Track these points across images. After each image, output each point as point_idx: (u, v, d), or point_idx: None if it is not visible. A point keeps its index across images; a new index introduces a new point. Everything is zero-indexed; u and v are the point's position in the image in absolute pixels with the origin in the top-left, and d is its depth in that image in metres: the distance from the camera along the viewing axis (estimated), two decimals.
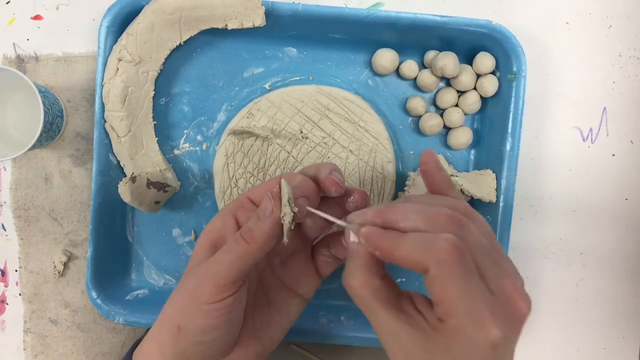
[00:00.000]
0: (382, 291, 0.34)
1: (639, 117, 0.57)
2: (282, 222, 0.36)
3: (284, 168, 0.52)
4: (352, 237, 0.35)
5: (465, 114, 0.54)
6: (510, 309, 0.31)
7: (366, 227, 0.34)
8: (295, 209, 0.36)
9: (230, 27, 0.50)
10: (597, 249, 0.58)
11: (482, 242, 0.32)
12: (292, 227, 0.36)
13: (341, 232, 0.42)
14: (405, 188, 0.52)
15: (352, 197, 0.41)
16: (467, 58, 0.54)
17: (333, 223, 0.38)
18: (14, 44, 0.55)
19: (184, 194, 0.54)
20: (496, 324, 0.30)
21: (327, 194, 0.40)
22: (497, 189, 0.52)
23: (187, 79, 0.54)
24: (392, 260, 0.32)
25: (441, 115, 0.54)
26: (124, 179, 0.49)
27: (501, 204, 0.51)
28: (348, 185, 0.41)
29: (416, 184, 0.51)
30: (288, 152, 0.52)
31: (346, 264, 0.35)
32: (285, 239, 0.37)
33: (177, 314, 0.37)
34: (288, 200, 0.36)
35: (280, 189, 0.38)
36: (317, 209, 0.41)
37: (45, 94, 0.50)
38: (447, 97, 0.54)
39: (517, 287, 0.31)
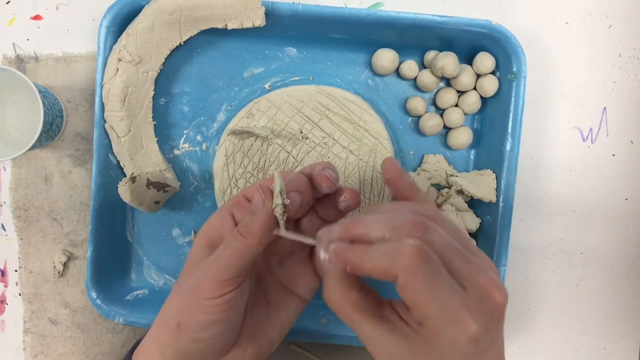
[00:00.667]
0: (361, 303, 0.35)
1: (639, 117, 0.57)
2: (275, 213, 0.37)
3: (283, 168, 0.52)
4: (323, 255, 0.35)
5: (465, 114, 0.54)
6: (486, 301, 0.31)
7: (334, 243, 0.34)
8: (287, 201, 0.37)
9: (230, 27, 0.50)
10: (597, 249, 0.58)
11: (449, 241, 0.32)
12: (285, 219, 0.37)
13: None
14: None
15: (342, 197, 0.41)
16: (467, 58, 0.54)
17: (329, 223, 0.38)
18: (13, 44, 0.55)
19: (184, 194, 0.54)
20: (472, 319, 0.30)
21: (318, 190, 0.40)
22: (497, 189, 0.52)
23: (187, 79, 0.54)
24: (363, 273, 0.33)
25: (441, 115, 0.54)
26: (123, 179, 0.49)
27: (501, 204, 0.51)
28: (343, 184, 0.41)
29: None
30: (288, 152, 0.52)
31: (323, 280, 0.36)
32: (282, 231, 0.37)
33: (176, 311, 0.37)
34: (280, 192, 0.37)
35: (271, 183, 0.38)
36: (313, 210, 0.41)
37: (45, 94, 0.50)
38: (447, 97, 0.54)
39: (491, 279, 0.31)
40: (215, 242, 0.39)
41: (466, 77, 0.53)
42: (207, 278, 0.36)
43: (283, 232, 0.37)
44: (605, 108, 0.57)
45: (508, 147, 0.51)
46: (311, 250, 0.44)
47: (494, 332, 0.31)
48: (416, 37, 0.52)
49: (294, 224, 0.42)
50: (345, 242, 0.34)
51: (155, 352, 0.38)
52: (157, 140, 0.53)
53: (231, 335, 0.39)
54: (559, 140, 0.57)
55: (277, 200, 0.37)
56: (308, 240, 0.37)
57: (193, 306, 0.36)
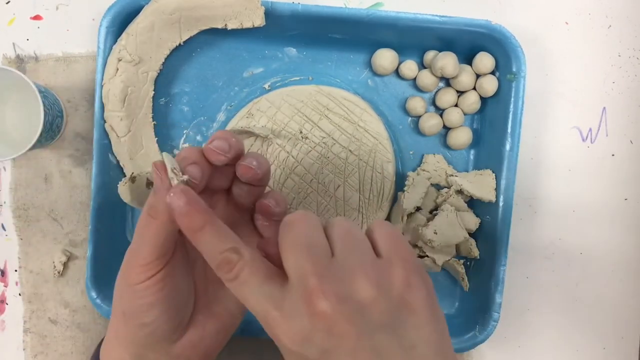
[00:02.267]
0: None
1: (639, 117, 0.57)
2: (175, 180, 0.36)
3: (283, 168, 0.52)
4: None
5: (465, 114, 0.54)
6: (307, 304, 0.29)
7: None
8: (184, 177, 0.36)
9: (230, 27, 0.50)
10: (597, 249, 0.58)
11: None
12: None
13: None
14: (405, 188, 0.52)
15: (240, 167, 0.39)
16: (467, 58, 0.54)
17: (261, 188, 0.40)
18: (13, 44, 0.55)
19: None
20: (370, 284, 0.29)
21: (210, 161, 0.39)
22: (497, 189, 0.52)
23: (187, 79, 0.54)
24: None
25: (441, 116, 0.54)
26: (123, 179, 0.49)
27: (501, 204, 0.51)
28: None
29: (415, 183, 0.51)
30: (288, 152, 0.52)
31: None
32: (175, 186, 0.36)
33: (118, 300, 0.38)
34: (172, 170, 0.36)
35: (163, 164, 0.37)
36: (236, 178, 0.40)
37: (45, 94, 0.50)
38: (447, 97, 0.54)
39: (314, 284, 0.29)
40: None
41: (466, 77, 0.53)
42: (131, 264, 0.37)
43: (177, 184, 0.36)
44: (604, 108, 0.57)
45: (508, 147, 0.51)
46: (252, 218, 0.43)
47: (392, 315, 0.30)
48: (416, 37, 0.52)
49: (225, 195, 0.41)
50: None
51: (116, 343, 0.39)
52: (157, 140, 0.53)
53: (177, 315, 0.38)
54: (559, 140, 0.57)
55: (174, 179, 0.36)
56: (259, 131, 0.37)
57: (128, 293, 0.37)
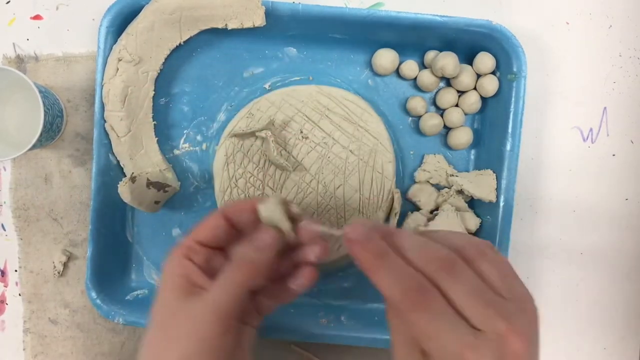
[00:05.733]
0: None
1: (639, 117, 0.57)
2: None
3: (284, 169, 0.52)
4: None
5: (466, 114, 0.54)
6: (501, 346, 0.30)
7: (363, 230, 0.33)
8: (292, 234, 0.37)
9: (230, 27, 0.50)
10: (597, 249, 0.58)
11: (473, 284, 0.31)
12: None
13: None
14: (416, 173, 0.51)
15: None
16: (467, 58, 0.54)
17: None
18: (13, 44, 0.55)
19: (184, 194, 0.54)
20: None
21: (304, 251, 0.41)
22: (497, 189, 0.52)
23: (187, 79, 0.54)
24: (367, 274, 0.32)
25: (441, 115, 0.54)
26: (123, 179, 0.49)
27: (501, 204, 0.51)
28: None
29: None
30: (289, 153, 0.52)
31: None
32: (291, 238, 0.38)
33: (174, 358, 0.36)
34: (282, 218, 0.37)
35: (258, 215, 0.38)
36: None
37: (45, 94, 0.50)
38: (447, 97, 0.54)
39: (511, 326, 0.30)
40: (185, 288, 0.39)
41: (466, 77, 0.53)
42: (209, 319, 0.36)
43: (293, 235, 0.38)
44: (605, 108, 0.57)
45: (508, 147, 0.51)
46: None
47: None
48: (416, 37, 0.52)
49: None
50: (375, 236, 0.33)
51: None
52: (157, 140, 0.53)
53: None
54: (559, 140, 0.57)
55: (285, 227, 0.37)
56: (336, 232, 0.37)
57: (196, 350, 0.36)
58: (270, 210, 0.38)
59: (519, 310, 0.31)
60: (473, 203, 0.54)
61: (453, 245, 0.33)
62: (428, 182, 0.54)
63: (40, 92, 0.48)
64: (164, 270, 0.40)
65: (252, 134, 0.51)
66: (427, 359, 0.31)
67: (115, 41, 0.50)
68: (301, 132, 0.52)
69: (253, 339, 0.44)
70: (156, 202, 0.51)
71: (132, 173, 0.50)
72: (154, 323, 0.39)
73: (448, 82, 0.54)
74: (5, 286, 0.56)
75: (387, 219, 0.54)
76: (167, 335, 0.38)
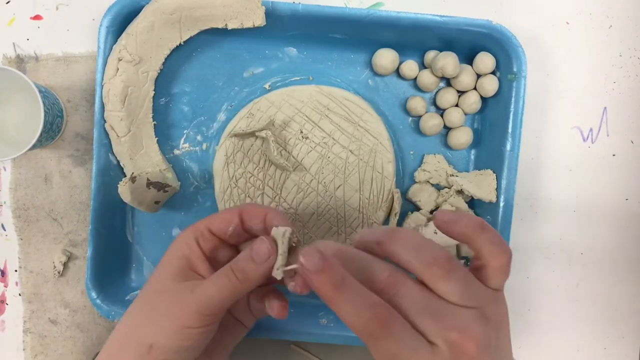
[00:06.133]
0: None
1: (639, 117, 0.57)
2: (275, 268, 0.37)
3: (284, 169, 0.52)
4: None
5: (466, 114, 0.54)
6: (455, 354, 0.31)
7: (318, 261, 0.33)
8: (294, 266, 0.36)
9: (230, 27, 0.50)
10: (597, 249, 0.58)
11: (420, 300, 0.32)
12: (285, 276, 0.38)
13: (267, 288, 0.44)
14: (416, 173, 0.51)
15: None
16: (467, 58, 0.54)
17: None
18: (13, 44, 0.55)
19: (184, 194, 0.54)
20: None
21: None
22: (498, 189, 0.52)
23: (187, 79, 0.54)
24: (331, 307, 0.33)
25: (441, 115, 0.54)
26: (123, 179, 0.49)
27: (501, 204, 0.51)
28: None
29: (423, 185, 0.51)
30: (289, 153, 0.52)
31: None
32: (278, 277, 0.37)
33: (150, 333, 0.38)
34: (283, 253, 0.37)
35: (273, 239, 0.38)
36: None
37: (45, 94, 0.50)
38: (447, 97, 0.54)
39: (460, 333, 0.31)
40: (184, 270, 0.40)
41: (466, 77, 0.53)
42: (194, 310, 0.37)
43: (280, 276, 0.37)
44: (605, 108, 0.57)
45: (508, 147, 0.51)
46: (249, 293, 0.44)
47: None
48: (416, 37, 0.52)
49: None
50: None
51: None
52: (157, 140, 0.52)
53: (196, 356, 0.40)
54: (559, 140, 0.57)
55: (279, 261, 0.37)
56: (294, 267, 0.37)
57: (172, 332, 0.38)
58: (278, 236, 0.38)
59: (475, 316, 0.32)
60: (473, 203, 0.54)
61: (421, 261, 0.33)
62: (428, 182, 0.54)
63: (40, 92, 0.48)
64: (169, 248, 0.42)
65: (252, 134, 0.51)
66: None
67: (115, 41, 0.50)
68: (301, 132, 0.52)
69: (240, 337, 0.46)
70: (156, 202, 0.51)
71: (132, 173, 0.50)
72: (143, 295, 0.41)
73: (448, 82, 0.54)
74: (5, 286, 0.56)
75: (387, 219, 0.54)
76: (151, 310, 0.39)
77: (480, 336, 0.32)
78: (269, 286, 0.45)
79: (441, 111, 0.55)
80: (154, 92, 0.51)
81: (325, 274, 0.31)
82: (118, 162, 0.51)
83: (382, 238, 0.35)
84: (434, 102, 0.55)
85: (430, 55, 0.54)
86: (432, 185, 0.54)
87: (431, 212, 0.54)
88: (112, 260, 0.53)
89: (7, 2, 0.55)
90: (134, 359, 0.38)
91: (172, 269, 0.41)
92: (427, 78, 0.53)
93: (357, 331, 0.32)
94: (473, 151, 0.55)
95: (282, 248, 0.37)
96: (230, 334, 0.45)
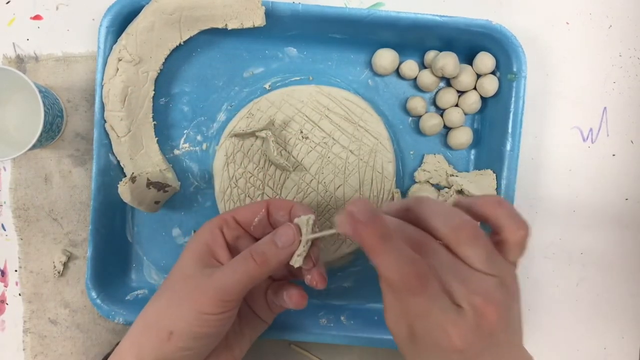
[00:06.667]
0: None
1: (639, 117, 0.57)
2: (296, 255, 0.39)
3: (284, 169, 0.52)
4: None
5: (465, 114, 0.54)
6: (478, 319, 0.32)
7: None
8: (331, 231, 0.38)
9: (230, 27, 0.50)
10: (597, 249, 0.58)
11: (450, 263, 0.33)
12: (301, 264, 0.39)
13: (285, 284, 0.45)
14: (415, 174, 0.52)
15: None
16: (467, 58, 0.54)
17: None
18: (13, 44, 0.55)
19: (184, 194, 0.54)
20: (458, 335, 0.32)
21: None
22: (497, 189, 0.52)
23: (187, 79, 0.54)
24: (369, 254, 0.33)
25: (441, 115, 0.54)
26: (123, 179, 0.49)
27: None
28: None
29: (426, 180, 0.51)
30: (289, 153, 0.52)
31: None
32: (295, 265, 0.39)
33: (170, 319, 0.39)
34: (307, 242, 0.39)
35: (297, 225, 0.40)
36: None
37: (45, 94, 0.50)
38: (447, 97, 0.54)
39: (485, 299, 0.32)
40: (205, 257, 0.41)
41: (466, 77, 0.53)
42: (212, 296, 0.38)
43: (298, 263, 0.39)
44: (605, 108, 0.57)
45: (508, 147, 0.51)
46: (268, 290, 0.46)
47: (485, 344, 0.33)
48: (416, 37, 0.52)
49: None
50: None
51: (132, 358, 0.39)
52: (157, 140, 0.53)
53: (214, 345, 0.41)
54: (559, 140, 0.57)
55: (301, 249, 0.39)
56: (329, 232, 0.38)
57: (191, 318, 0.38)
58: (302, 223, 0.39)
59: (497, 284, 0.33)
60: None
61: (448, 225, 0.34)
62: (428, 182, 0.54)
63: (40, 92, 0.48)
64: (194, 235, 0.43)
65: (252, 134, 0.51)
66: (412, 331, 0.34)
67: (115, 41, 0.50)
68: (301, 132, 0.52)
69: (260, 332, 0.46)
70: (156, 202, 0.51)
71: (132, 173, 0.50)
72: (165, 282, 0.42)
73: (448, 82, 0.54)
74: (5, 286, 0.56)
75: None
76: (171, 297, 0.40)
77: (501, 304, 0.32)
78: (286, 280, 0.45)
79: (441, 111, 0.55)
80: (154, 92, 0.51)
81: (373, 225, 0.32)
82: (118, 162, 0.51)
83: (411, 204, 0.36)
84: (433, 102, 0.55)
85: (430, 55, 0.54)
86: (432, 185, 0.54)
87: None
88: (112, 260, 0.53)
89: (7, 2, 0.55)
90: (154, 345, 0.39)
91: (193, 255, 0.41)
92: (427, 78, 0.53)
93: (395, 284, 0.32)
94: (473, 151, 0.55)
95: (306, 235, 0.39)
96: (251, 327, 0.45)
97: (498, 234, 0.35)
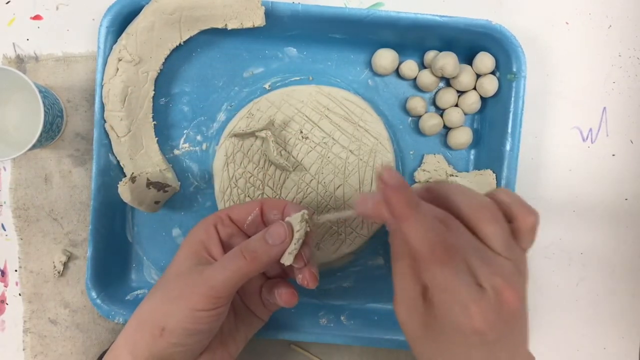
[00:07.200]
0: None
1: (639, 117, 0.57)
2: (282, 259, 0.39)
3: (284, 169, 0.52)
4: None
5: (465, 114, 0.54)
6: (499, 302, 0.32)
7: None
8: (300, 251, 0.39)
9: (230, 27, 0.50)
10: (597, 249, 0.58)
11: (472, 243, 0.33)
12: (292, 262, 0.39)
13: (280, 282, 0.45)
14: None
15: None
16: (467, 58, 0.54)
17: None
18: (13, 44, 0.55)
19: (184, 194, 0.54)
20: (480, 314, 0.31)
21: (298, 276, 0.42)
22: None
23: (187, 79, 0.54)
24: (400, 229, 0.32)
25: (441, 115, 0.54)
26: (123, 179, 0.49)
27: None
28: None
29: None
30: (289, 153, 0.52)
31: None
32: (286, 263, 0.39)
33: (162, 316, 0.39)
34: (298, 240, 0.39)
35: (290, 224, 0.40)
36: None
37: (45, 94, 0.50)
38: (447, 97, 0.54)
39: (506, 282, 0.32)
40: (199, 254, 0.42)
41: (466, 77, 0.53)
42: (202, 292, 0.38)
43: (289, 261, 0.39)
44: (605, 108, 0.57)
45: (508, 147, 0.51)
46: (262, 287, 0.46)
47: (504, 329, 0.32)
48: (416, 37, 0.52)
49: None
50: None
51: (127, 354, 0.40)
52: (157, 140, 0.53)
53: (207, 342, 0.41)
54: (559, 140, 0.57)
55: (292, 246, 0.39)
56: (345, 214, 0.39)
57: (183, 315, 0.38)
58: (295, 221, 0.40)
59: (514, 269, 0.33)
60: None
61: (470, 204, 0.34)
62: (428, 182, 0.54)
63: (40, 92, 0.48)
64: (189, 232, 0.43)
65: (252, 134, 0.51)
66: (426, 298, 0.34)
67: (115, 41, 0.50)
68: (301, 132, 0.52)
69: (255, 329, 0.46)
70: (156, 202, 0.51)
71: (132, 173, 0.50)
72: (161, 279, 0.42)
73: (448, 82, 0.55)
74: (5, 286, 0.56)
75: None
76: (165, 293, 0.40)
77: (519, 287, 0.33)
78: (279, 278, 0.45)
79: (441, 111, 0.55)
80: (154, 92, 0.51)
81: (404, 190, 0.31)
82: (118, 162, 0.51)
83: (432, 186, 0.36)
84: (433, 102, 0.55)
85: (430, 55, 0.54)
86: None
87: None
88: (112, 260, 0.53)
89: (7, 2, 0.55)
90: (148, 341, 0.39)
91: (188, 252, 0.42)
92: (426, 78, 0.53)
93: (422, 252, 0.32)
94: (473, 151, 0.56)
95: (299, 233, 0.39)
96: (246, 325, 0.45)
97: (510, 222, 0.35)
